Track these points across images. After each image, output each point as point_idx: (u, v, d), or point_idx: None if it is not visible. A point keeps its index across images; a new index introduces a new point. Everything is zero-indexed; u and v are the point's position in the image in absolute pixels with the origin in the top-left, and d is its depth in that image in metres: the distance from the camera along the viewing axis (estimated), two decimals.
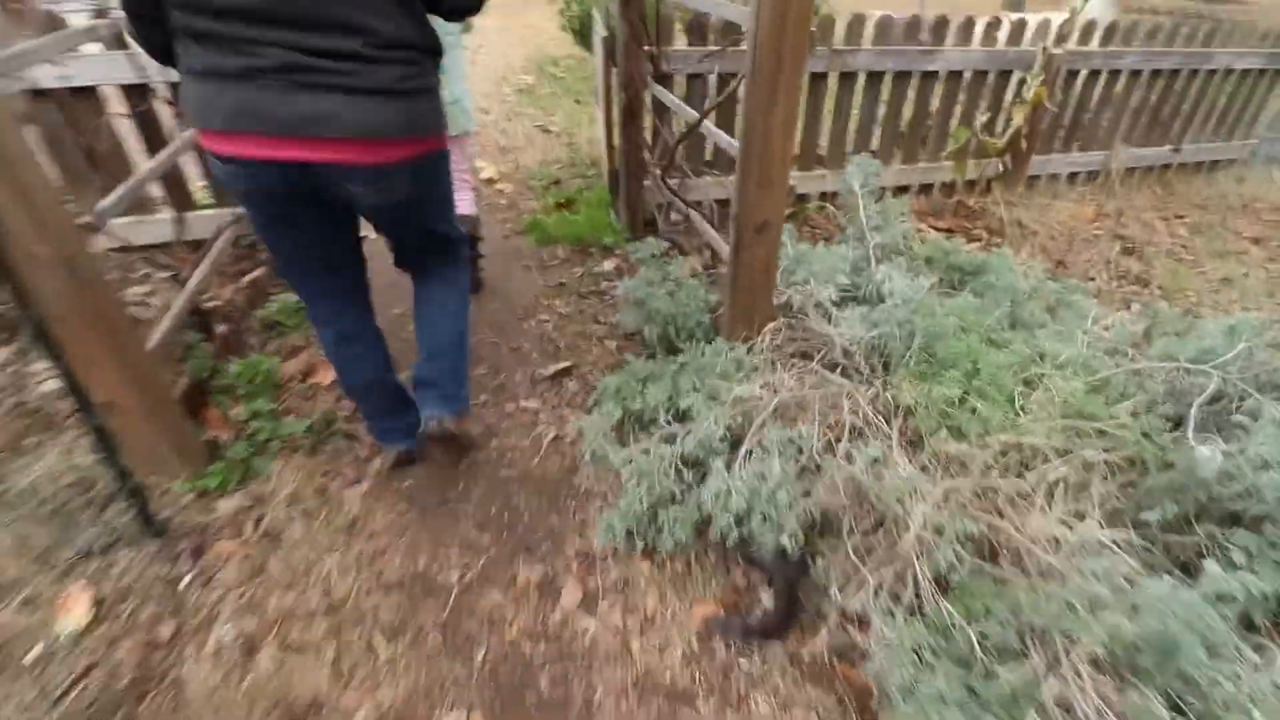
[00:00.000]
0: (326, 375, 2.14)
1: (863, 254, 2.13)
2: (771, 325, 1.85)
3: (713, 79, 2.84)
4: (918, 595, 1.31)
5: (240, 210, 2.51)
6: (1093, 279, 2.94)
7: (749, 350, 1.82)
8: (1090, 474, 1.44)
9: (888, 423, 1.50)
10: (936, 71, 3.15)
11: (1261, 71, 3.75)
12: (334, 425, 1.93)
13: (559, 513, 1.72)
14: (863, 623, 1.32)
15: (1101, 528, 1.36)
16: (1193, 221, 3.54)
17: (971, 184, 3.49)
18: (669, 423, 1.72)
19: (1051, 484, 1.41)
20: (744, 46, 2.82)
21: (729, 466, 1.40)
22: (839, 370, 1.80)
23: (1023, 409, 1.57)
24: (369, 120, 1.17)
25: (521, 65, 5.79)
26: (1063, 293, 2.30)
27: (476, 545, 1.63)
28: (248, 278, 2.54)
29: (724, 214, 3.04)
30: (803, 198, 3.26)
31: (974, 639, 1.20)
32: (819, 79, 3.02)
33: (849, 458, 1.41)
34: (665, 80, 2.74)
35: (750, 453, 1.42)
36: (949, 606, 1.24)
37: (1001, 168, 3.38)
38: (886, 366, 1.78)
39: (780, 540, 1.29)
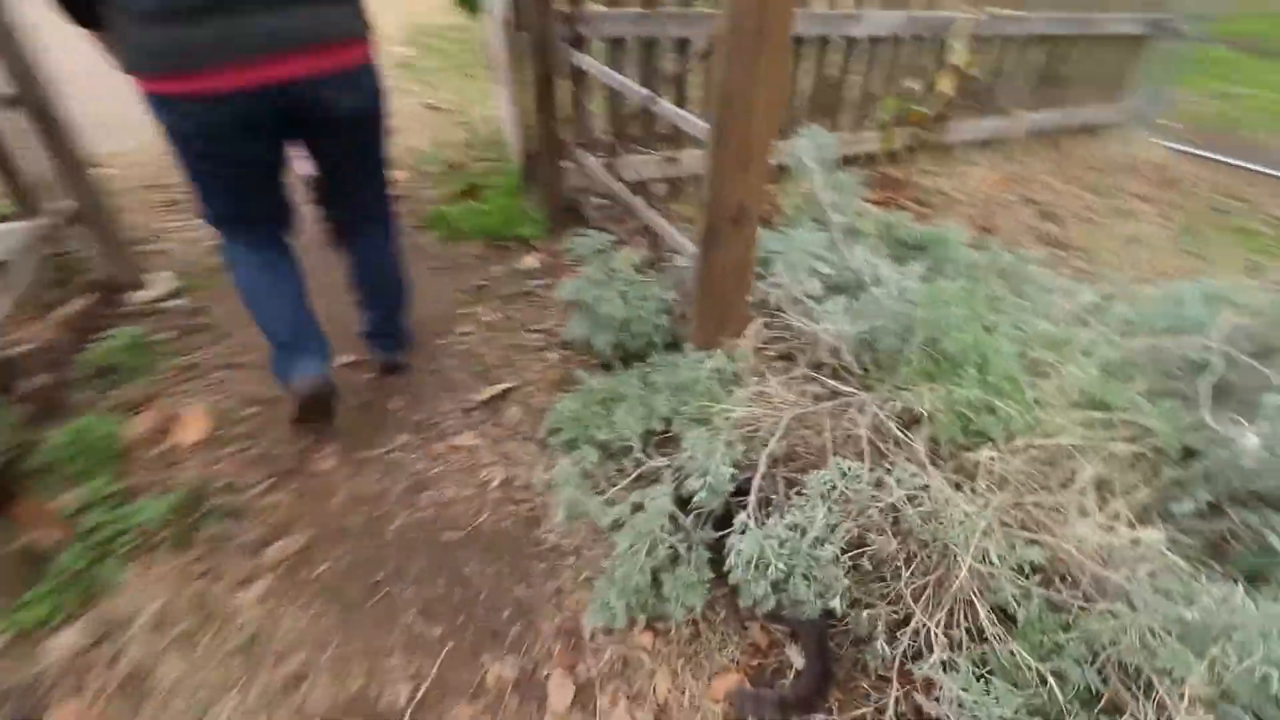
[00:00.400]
0: (190, 429, 1.66)
1: (827, 237, 1.92)
2: (751, 328, 1.60)
3: (632, 44, 2.52)
4: (975, 639, 1.14)
5: (49, 221, 1.92)
6: (1020, 244, 2.94)
7: (729, 358, 1.57)
8: (1120, 469, 1.32)
9: (908, 435, 1.31)
10: (858, 38, 3.01)
11: (1138, 37, 3.95)
12: (207, 501, 1.48)
13: (526, 580, 1.40)
14: (926, 683, 1.12)
15: (1132, 527, 1.24)
16: (1090, 183, 3.68)
17: (892, 154, 3.43)
18: (648, 455, 1.44)
19: (1082, 486, 1.28)
20: (670, 7, 2.56)
21: (750, 514, 1.14)
22: (827, 372, 1.59)
23: (1037, 402, 1.43)
24: (336, 25, 1.27)
25: (397, 36, 5.14)
26: (1016, 263, 2.22)
27: (425, 642, 1.28)
28: (69, 309, 1.96)
29: (663, 193, 2.78)
30: None
31: (1056, 690, 1.03)
32: None
33: (879, 485, 1.19)
34: (581, 45, 2.40)
35: (769, 498, 1.17)
36: (1020, 650, 1.07)
37: (922, 137, 3.33)
38: (879, 364, 1.59)
39: (829, 603, 1.05)
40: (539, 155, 2.62)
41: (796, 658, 1.25)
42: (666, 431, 1.52)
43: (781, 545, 1.04)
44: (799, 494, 1.13)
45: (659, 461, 1.41)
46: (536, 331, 2.15)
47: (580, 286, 1.83)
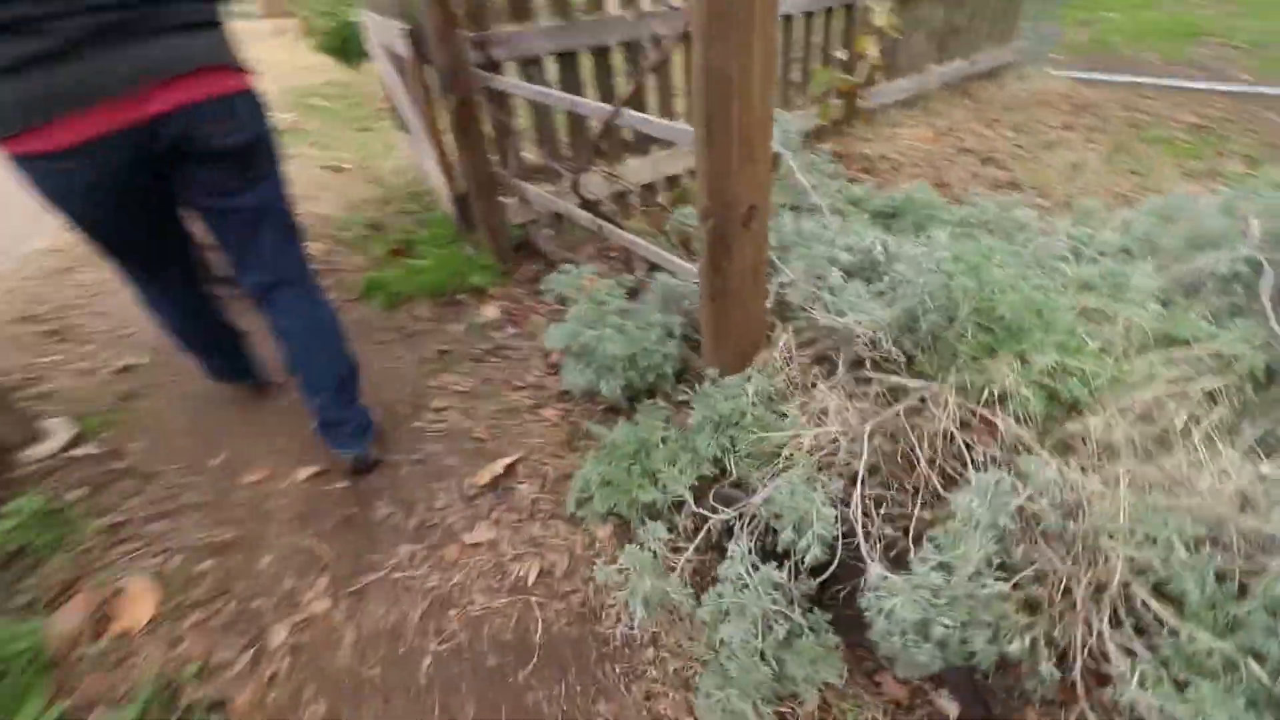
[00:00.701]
0: (137, 606, 1.34)
1: (821, 222, 1.78)
2: (781, 337, 1.43)
3: (550, 60, 2.32)
4: (1141, 634, 0.98)
5: None
6: (976, 193, 2.92)
7: (767, 376, 1.38)
8: (1215, 407, 1.22)
9: (1009, 422, 1.15)
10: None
11: None
12: (182, 696, 1.17)
13: (605, 693, 1.16)
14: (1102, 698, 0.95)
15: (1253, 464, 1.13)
16: (1011, 122, 3.74)
17: (826, 128, 3.37)
18: (711, 508, 1.23)
19: (1192, 438, 1.16)
20: (582, 14, 2.38)
21: (874, 559, 0.95)
22: (869, 368, 1.44)
23: (1105, 351, 1.31)
24: (198, 52, 1.19)
25: (274, 103, 4.75)
26: (999, 211, 2.15)
27: None
28: None
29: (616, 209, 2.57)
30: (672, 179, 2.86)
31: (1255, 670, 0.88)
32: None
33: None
34: (497, 70, 2.18)
35: (868, 530, 0.99)
36: (1198, 633, 0.92)
37: (854, 106, 3.28)
38: (923, 347, 1.44)
39: (1005, 648, 0.87)
40: (472, 195, 2.38)
41: (947, 705, 1.07)
42: (719, 476, 1.31)
43: (936, 595, 0.85)
44: (934, 524, 0.94)
45: (724, 514, 1.21)
46: (523, 389, 1.91)
47: (571, 330, 1.61)
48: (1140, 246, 1.78)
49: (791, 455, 1.18)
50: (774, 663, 0.97)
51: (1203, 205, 1.67)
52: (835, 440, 1.15)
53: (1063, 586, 1.00)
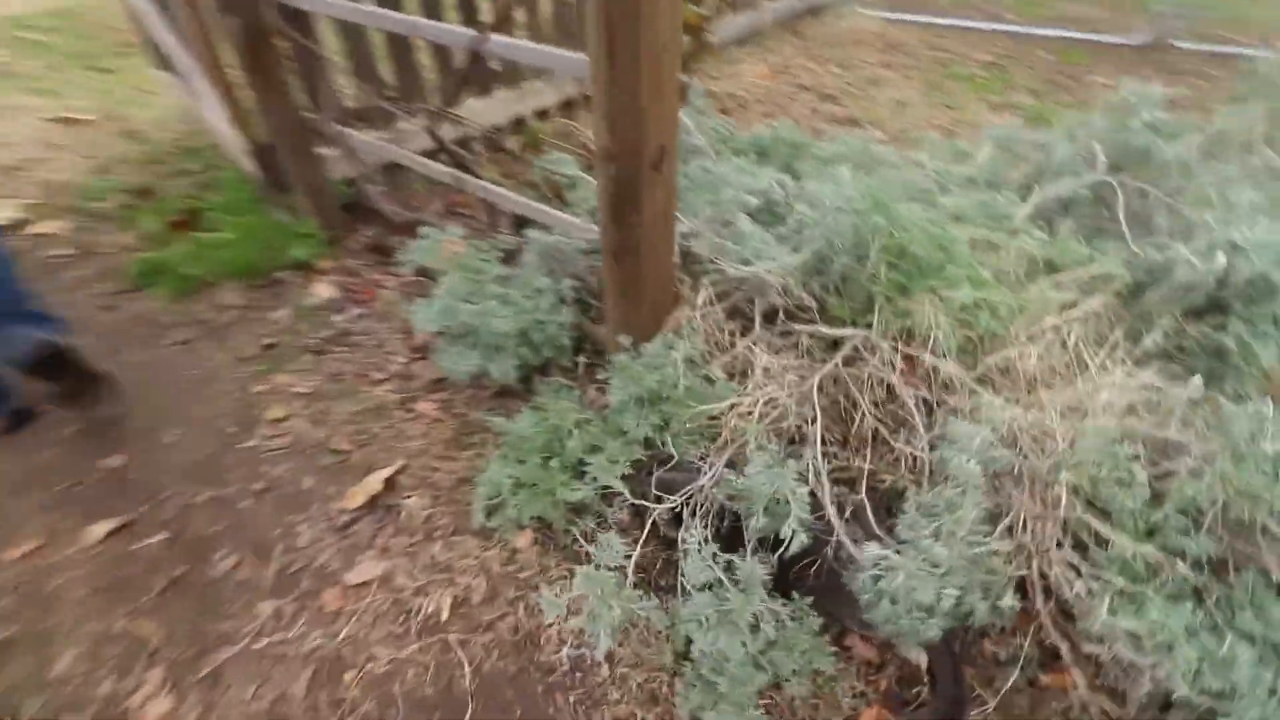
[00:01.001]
0: None
1: (721, 163, 1.64)
2: (700, 294, 1.29)
3: None
4: (1083, 556, 1.02)
5: None
6: (822, 129, 2.97)
7: (686, 339, 1.24)
8: (1101, 324, 1.30)
9: (946, 363, 1.12)
10: None
11: None
12: None
13: None
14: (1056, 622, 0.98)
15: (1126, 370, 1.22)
16: (836, 59, 3.87)
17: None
18: (655, 497, 1.08)
19: (1095, 359, 1.22)
20: None
21: (847, 538, 0.87)
22: (783, 317, 1.36)
23: (1000, 280, 1.34)
24: None
25: None
26: (862, 147, 2.17)
27: None
28: None
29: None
30: (519, 122, 2.55)
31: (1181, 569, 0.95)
32: None
33: (919, 428, 0.99)
34: None
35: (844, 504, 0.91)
36: (1126, 541, 0.97)
37: (700, 41, 3.16)
38: (834, 290, 1.38)
39: (999, 603, 0.83)
40: (281, 148, 1.92)
41: (917, 655, 1.05)
42: (653, 459, 1.16)
43: (936, 565, 0.79)
44: (877, 474, 0.88)
45: (670, 501, 1.07)
46: (385, 381, 1.59)
47: (446, 307, 1.34)
48: (989, 176, 1.88)
49: (734, 425, 1.06)
50: (767, 665, 0.87)
51: (1043, 135, 1.79)
52: (779, 402, 1.05)
53: (1019, 521, 1.00)
